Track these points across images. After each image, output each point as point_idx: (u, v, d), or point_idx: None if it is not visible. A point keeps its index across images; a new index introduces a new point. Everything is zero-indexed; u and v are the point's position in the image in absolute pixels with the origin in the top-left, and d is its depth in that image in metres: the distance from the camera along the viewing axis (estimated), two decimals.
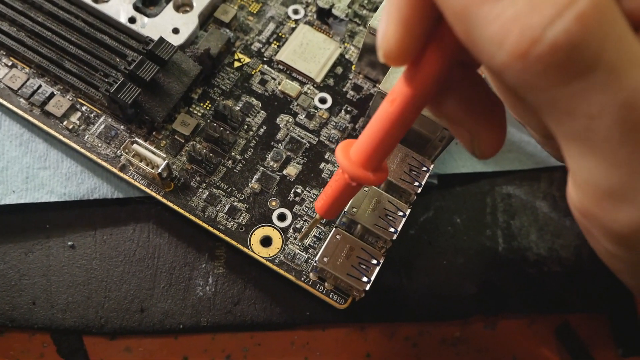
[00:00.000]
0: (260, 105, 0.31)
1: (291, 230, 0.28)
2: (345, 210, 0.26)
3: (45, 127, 0.29)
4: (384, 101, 0.17)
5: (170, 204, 0.28)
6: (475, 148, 0.19)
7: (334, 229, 0.26)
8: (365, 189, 0.27)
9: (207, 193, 0.29)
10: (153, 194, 0.28)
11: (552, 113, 0.13)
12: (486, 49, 0.13)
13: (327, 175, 0.30)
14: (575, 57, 0.12)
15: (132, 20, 0.30)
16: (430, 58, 0.16)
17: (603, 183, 0.13)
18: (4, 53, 0.30)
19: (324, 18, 0.33)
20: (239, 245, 0.28)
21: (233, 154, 0.30)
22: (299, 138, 0.31)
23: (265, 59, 0.32)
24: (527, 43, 0.12)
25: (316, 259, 0.26)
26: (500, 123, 0.18)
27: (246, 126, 0.30)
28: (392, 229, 0.26)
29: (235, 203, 0.29)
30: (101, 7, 0.30)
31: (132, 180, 0.28)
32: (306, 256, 0.28)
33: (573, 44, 0.11)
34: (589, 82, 0.12)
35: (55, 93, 0.30)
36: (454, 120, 0.19)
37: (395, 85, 0.17)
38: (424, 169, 0.27)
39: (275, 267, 0.28)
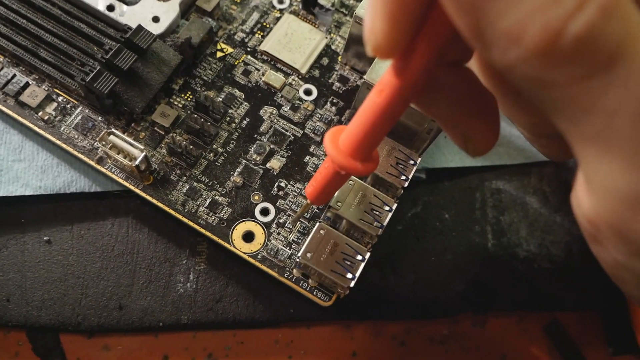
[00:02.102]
0: (243, 96, 0.30)
1: (274, 225, 0.28)
2: (330, 204, 0.25)
3: (19, 118, 0.28)
4: (372, 91, 0.17)
5: (150, 198, 0.27)
6: (469, 147, 0.18)
7: (317, 223, 0.25)
8: (351, 182, 0.26)
9: (188, 187, 0.28)
10: (132, 187, 0.28)
11: (567, 111, 0.13)
12: (498, 44, 0.12)
13: (312, 169, 0.29)
14: (597, 50, 0.11)
15: (110, 8, 0.29)
16: (420, 50, 0.15)
17: (624, 188, 0.12)
18: None
19: (310, 7, 0.32)
20: (220, 241, 0.27)
21: (215, 146, 0.29)
22: (283, 130, 0.30)
23: (248, 49, 0.31)
24: (550, 37, 0.11)
25: (299, 254, 0.25)
26: (493, 120, 0.18)
27: (228, 118, 0.30)
28: (377, 224, 0.25)
29: (217, 197, 0.28)
30: None
31: (109, 174, 0.28)
32: (290, 252, 0.27)
33: (596, 37, 0.11)
34: (610, 76, 0.11)
35: (30, 83, 0.29)
36: (447, 122, 0.18)
37: (383, 75, 0.16)
38: (411, 162, 0.27)
39: (257, 264, 0.27)
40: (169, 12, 0.30)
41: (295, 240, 0.28)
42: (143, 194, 0.27)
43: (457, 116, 0.17)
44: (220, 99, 0.30)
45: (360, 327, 0.29)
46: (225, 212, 0.28)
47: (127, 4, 0.29)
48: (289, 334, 0.29)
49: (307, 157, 0.29)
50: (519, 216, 0.32)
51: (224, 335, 0.28)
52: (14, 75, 0.28)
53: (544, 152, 0.21)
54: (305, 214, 0.28)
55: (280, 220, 0.28)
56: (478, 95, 0.17)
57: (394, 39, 0.14)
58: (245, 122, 0.30)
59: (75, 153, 0.28)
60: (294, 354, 0.28)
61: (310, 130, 0.30)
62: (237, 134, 0.29)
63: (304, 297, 0.27)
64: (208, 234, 0.27)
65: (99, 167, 0.28)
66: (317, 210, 0.28)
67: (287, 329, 0.29)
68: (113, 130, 0.26)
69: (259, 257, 0.27)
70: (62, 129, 0.28)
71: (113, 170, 0.28)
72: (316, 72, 0.31)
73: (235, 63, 0.31)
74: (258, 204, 0.28)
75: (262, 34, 0.32)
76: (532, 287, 0.30)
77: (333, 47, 0.32)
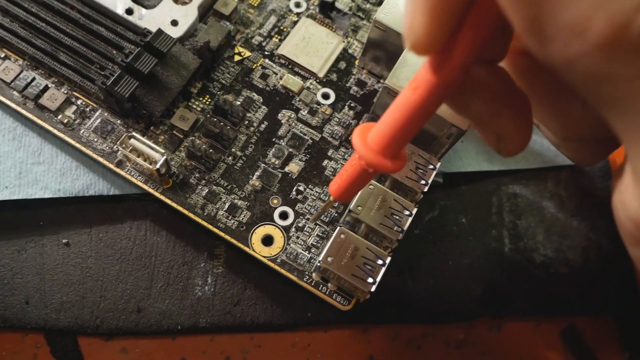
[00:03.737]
0: (261, 100, 0.30)
1: (293, 229, 0.28)
2: (350, 208, 0.25)
3: (39, 121, 0.28)
4: (405, 87, 0.17)
5: (169, 201, 0.27)
6: (502, 147, 0.18)
7: (338, 227, 0.25)
8: (371, 187, 0.26)
9: (207, 190, 0.28)
10: (151, 190, 0.28)
11: (628, 107, 0.12)
12: (560, 37, 0.12)
13: (331, 173, 0.29)
14: None
15: (129, 11, 0.29)
16: (459, 47, 0.15)
17: None
18: None
19: (327, 11, 0.32)
20: (239, 244, 0.27)
21: (233, 150, 0.29)
22: (301, 134, 0.30)
23: (266, 53, 0.31)
24: (617, 29, 0.11)
25: (320, 258, 0.25)
26: (527, 120, 0.18)
27: (247, 122, 0.30)
28: (398, 229, 0.25)
29: (236, 201, 0.28)
30: None
31: (129, 177, 0.28)
32: (309, 256, 0.27)
33: None
34: None
35: (49, 86, 0.29)
36: (481, 122, 0.18)
37: (418, 72, 0.16)
38: (431, 167, 0.27)
39: (276, 267, 0.27)
40: (188, 16, 0.30)
41: (315, 244, 0.28)
42: (162, 197, 0.27)
43: (491, 115, 0.17)
44: (239, 103, 0.30)
45: (377, 331, 0.29)
46: (244, 216, 0.28)
47: (145, 7, 0.29)
48: (306, 338, 0.29)
49: (326, 161, 0.29)
50: (536, 221, 0.32)
51: (241, 339, 0.28)
52: (34, 79, 0.28)
53: (570, 157, 0.21)
54: (325, 217, 0.28)
55: (300, 224, 0.28)
56: (512, 94, 0.17)
57: (434, 35, 0.14)
58: (263, 125, 0.30)
59: (94, 156, 0.28)
60: (311, 357, 0.29)
61: (328, 134, 0.30)
62: (255, 137, 0.29)
63: (321, 300, 0.27)
64: (228, 237, 0.27)
65: (118, 170, 0.28)
66: (336, 214, 0.28)
67: (305, 333, 0.29)
68: (134, 133, 0.26)
69: (278, 260, 0.27)
70: (82, 132, 0.28)
71: (132, 173, 0.28)
72: (334, 76, 0.31)
73: (253, 67, 0.31)
74: (277, 207, 0.28)
75: (279, 37, 0.32)
76: (549, 291, 0.30)
77: (350, 50, 0.32)
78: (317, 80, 0.31)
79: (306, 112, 0.30)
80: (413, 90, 0.16)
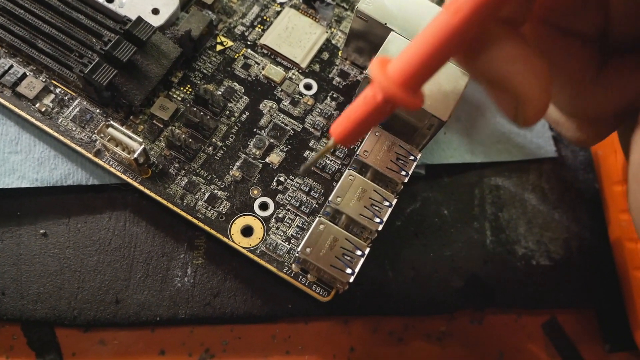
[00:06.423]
0: (243, 90, 0.30)
1: (273, 220, 0.27)
2: (330, 199, 0.25)
3: (16, 110, 0.28)
4: (442, 11, 0.16)
5: (148, 192, 0.27)
6: (519, 114, 0.17)
7: (317, 218, 0.25)
8: (351, 177, 0.26)
9: (186, 180, 0.28)
10: (130, 180, 0.27)
11: None
12: None
13: None
14: None
15: None
16: None
17: None
18: None
19: (311, 2, 0.32)
20: (218, 235, 0.27)
21: (214, 140, 0.29)
22: (283, 125, 0.29)
23: (248, 42, 0.31)
24: None
25: (298, 249, 0.25)
26: (547, 86, 0.17)
27: (228, 112, 0.29)
28: (377, 219, 0.25)
29: (216, 191, 0.28)
30: None
31: (107, 166, 0.27)
32: (288, 247, 0.27)
33: None
34: None
35: (27, 74, 0.28)
36: (501, 82, 0.17)
37: None
38: (412, 157, 0.26)
39: (256, 258, 0.27)
40: (169, 4, 0.29)
41: (294, 235, 0.27)
42: (141, 187, 0.27)
43: (513, 75, 0.17)
44: (220, 93, 0.30)
45: (358, 323, 0.29)
46: (224, 206, 0.27)
47: None
48: (286, 329, 0.29)
49: (307, 152, 0.29)
50: (518, 213, 0.32)
51: (221, 330, 0.28)
52: (11, 66, 0.28)
53: (570, 136, 0.20)
54: (305, 209, 0.28)
55: (280, 215, 0.28)
56: (535, 55, 0.17)
57: None
58: (244, 116, 0.29)
59: (73, 145, 0.27)
60: (292, 349, 0.28)
61: (310, 125, 0.30)
62: (236, 127, 0.29)
63: (302, 292, 0.27)
64: (207, 228, 0.27)
65: (96, 159, 0.27)
66: (317, 205, 0.28)
67: (285, 324, 0.29)
68: (112, 122, 0.26)
69: (257, 251, 0.27)
70: (60, 120, 0.28)
71: (111, 163, 0.27)
72: (316, 67, 0.31)
73: (235, 56, 0.31)
74: (257, 198, 0.28)
75: (262, 27, 0.32)
76: (530, 284, 0.30)
77: (333, 41, 0.32)
78: (300, 71, 0.31)
79: (288, 102, 0.30)
80: (454, 13, 0.15)
